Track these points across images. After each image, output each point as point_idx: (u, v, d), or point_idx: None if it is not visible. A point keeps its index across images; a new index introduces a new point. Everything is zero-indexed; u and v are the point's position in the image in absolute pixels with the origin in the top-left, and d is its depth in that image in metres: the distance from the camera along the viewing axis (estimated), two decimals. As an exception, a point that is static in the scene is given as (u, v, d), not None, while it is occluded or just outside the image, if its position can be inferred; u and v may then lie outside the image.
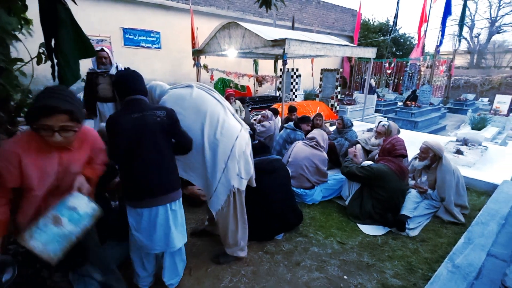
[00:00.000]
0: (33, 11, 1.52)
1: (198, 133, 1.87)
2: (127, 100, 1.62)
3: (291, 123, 3.98)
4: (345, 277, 2.06)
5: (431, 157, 2.91)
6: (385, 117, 9.22)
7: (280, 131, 4.32)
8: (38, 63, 1.67)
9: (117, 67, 3.80)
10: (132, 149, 1.57)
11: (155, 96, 2.00)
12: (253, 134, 3.55)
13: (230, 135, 1.92)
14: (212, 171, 1.88)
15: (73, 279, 1.88)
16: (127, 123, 1.55)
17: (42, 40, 1.53)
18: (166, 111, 1.66)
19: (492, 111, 8.80)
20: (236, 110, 3.58)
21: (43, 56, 1.66)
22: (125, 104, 1.62)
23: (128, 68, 1.89)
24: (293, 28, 10.77)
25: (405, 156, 2.95)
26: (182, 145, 1.79)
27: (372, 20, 16.65)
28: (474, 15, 24.65)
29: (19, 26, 1.54)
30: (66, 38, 1.46)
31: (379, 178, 2.73)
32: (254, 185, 2.21)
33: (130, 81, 1.64)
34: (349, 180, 2.99)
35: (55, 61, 1.49)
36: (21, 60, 1.47)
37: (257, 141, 2.77)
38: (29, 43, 1.48)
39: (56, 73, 1.49)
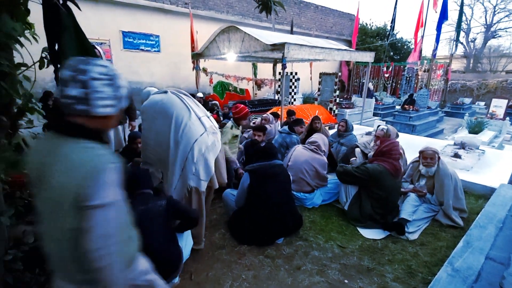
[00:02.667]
0: (33, 15, 1.53)
1: (166, 134, 2.05)
2: (137, 194, 1.84)
3: (286, 127, 4.00)
4: (346, 281, 2.07)
5: (437, 161, 2.93)
6: (383, 120, 9.28)
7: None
8: (41, 67, 1.67)
9: None
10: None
11: (144, 100, 2.27)
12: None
13: (189, 137, 2.04)
14: (172, 169, 2.06)
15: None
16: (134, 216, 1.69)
17: (43, 45, 1.54)
18: (166, 200, 1.85)
19: (488, 115, 8.89)
20: (235, 136, 3.46)
21: (45, 61, 1.67)
22: (135, 196, 1.83)
23: (138, 166, 2.10)
24: (291, 32, 10.86)
25: (398, 159, 2.99)
26: (187, 221, 1.96)
27: (369, 24, 16.86)
28: (470, 20, 25.03)
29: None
30: (69, 43, 1.47)
31: (375, 178, 2.76)
32: (217, 186, 2.33)
33: (141, 178, 1.90)
34: (344, 182, 3.00)
35: (58, 66, 1.50)
36: (25, 65, 1.47)
37: (264, 144, 2.79)
38: (29, 47, 1.49)
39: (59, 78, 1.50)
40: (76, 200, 0.84)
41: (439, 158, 2.93)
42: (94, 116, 0.91)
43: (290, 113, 5.01)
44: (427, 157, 2.94)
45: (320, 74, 8.98)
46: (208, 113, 2.33)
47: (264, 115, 4.87)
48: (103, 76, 0.90)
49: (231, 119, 3.48)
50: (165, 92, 2.21)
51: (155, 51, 9.12)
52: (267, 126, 4.54)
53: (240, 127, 3.53)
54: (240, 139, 4.59)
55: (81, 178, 0.84)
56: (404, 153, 3.59)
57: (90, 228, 0.86)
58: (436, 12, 11.56)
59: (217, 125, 2.35)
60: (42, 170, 0.90)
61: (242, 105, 3.47)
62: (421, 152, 3.03)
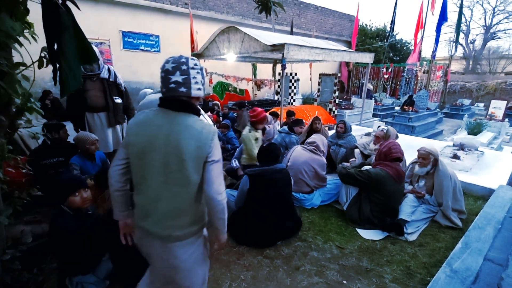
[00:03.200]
0: (32, 15, 1.53)
1: None
2: None
3: (285, 127, 3.99)
4: (345, 282, 2.07)
5: (432, 162, 2.94)
6: (382, 121, 9.30)
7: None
8: (40, 67, 1.66)
9: (108, 69, 3.31)
10: None
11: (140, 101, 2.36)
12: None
13: None
14: None
15: (70, 284, 1.87)
16: None
17: (42, 44, 1.54)
18: None
19: (487, 116, 8.91)
20: (256, 139, 3.42)
21: (44, 60, 1.66)
22: None
23: None
24: (291, 32, 10.87)
25: (401, 159, 2.98)
26: None
27: (369, 25, 16.87)
28: (469, 22, 25.08)
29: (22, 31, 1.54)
30: (68, 43, 1.47)
31: (377, 183, 2.75)
32: None
33: None
34: (346, 183, 3.00)
35: (57, 65, 1.49)
36: (24, 64, 1.47)
37: (266, 144, 2.75)
38: (28, 46, 1.48)
39: (57, 78, 1.50)
40: (206, 157, 1.16)
41: (435, 159, 2.93)
42: (191, 96, 1.19)
43: (290, 113, 5.01)
44: (420, 156, 2.98)
45: (320, 74, 8.99)
46: (202, 111, 2.38)
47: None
48: (196, 66, 1.19)
49: (249, 122, 3.40)
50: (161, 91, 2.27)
51: (155, 51, 9.11)
52: (265, 126, 4.54)
53: (260, 130, 3.41)
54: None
55: (209, 141, 1.16)
56: (403, 155, 3.59)
57: (212, 178, 1.18)
58: (433, 14, 11.60)
59: (211, 122, 2.39)
60: (162, 142, 1.14)
61: (259, 109, 3.33)
62: (418, 151, 3.05)
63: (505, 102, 9.01)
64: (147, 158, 1.16)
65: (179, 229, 1.21)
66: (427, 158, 2.93)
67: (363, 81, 11.83)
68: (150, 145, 1.15)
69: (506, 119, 8.85)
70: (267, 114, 4.97)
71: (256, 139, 3.37)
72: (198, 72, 1.20)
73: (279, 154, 2.65)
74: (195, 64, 1.19)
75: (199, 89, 1.20)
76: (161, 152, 1.14)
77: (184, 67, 1.15)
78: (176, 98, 1.17)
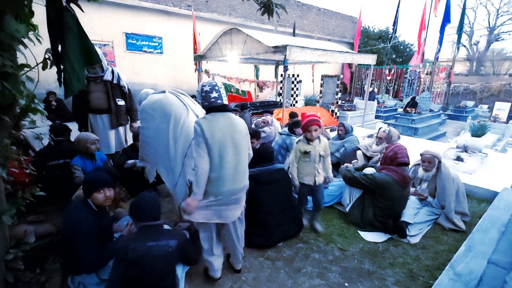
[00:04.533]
0: (36, 16, 1.54)
1: (165, 131, 2.14)
2: (142, 226, 1.65)
3: (286, 129, 3.97)
4: (346, 284, 2.06)
5: (436, 165, 2.90)
6: (385, 123, 9.25)
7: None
8: (44, 68, 1.68)
9: (112, 71, 3.33)
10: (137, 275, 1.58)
11: (142, 101, 2.40)
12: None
13: (187, 134, 2.12)
14: (174, 165, 2.15)
15: (72, 284, 1.88)
16: (140, 252, 1.57)
17: (47, 46, 1.56)
18: (177, 241, 1.68)
19: (491, 118, 8.85)
20: (305, 152, 2.59)
21: (48, 62, 1.68)
22: (140, 229, 1.66)
23: (145, 192, 1.87)
24: (294, 34, 10.89)
25: (408, 164, 2.94)
26: (191, 260, 1.85)
27: (372, 27, 16.84)
28: (473, 23, 24.95)
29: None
30: (72, 45, 1.48)
31: (381, 188, 2.73)
32: None
33: (145, 207, 1.65)
34: (350, 185, 2.99)
35: (61, 67, 1.51)
36: (28, 66, 1.48)
37: (258, 146, 2.75)
38: (32, 48, 1.50)
39: (62, 79, 1.51)
40: (248, 133, 1.97)
41: (439, 162, 2.90)
42: (223, 104, 1.85)
43: (293, 115, 5.00)
44: (425, 160, 2.94)
45: (322, 76, 8.98)
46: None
47: (263, 117, 4.89)
48: (221, 86, 1.88)
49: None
50: (163, 92, 2.28)
51: (157, 52, 9.16)
52: (266, 128, 4.54)
53: (315, 142, 2.64)
54: None
55: (245, 124, 1.95)
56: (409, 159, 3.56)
57: (249, 143, 2.00)
58: (435, 16, 11.55)
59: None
60: (227, 130, 1.80)
61: (307, 115, 2.77)
62: (421, 155, 3.01)
63: (509, 104, 8.94)
64: (223, 143, 1.77)
65: (246, 179, 1.96)
66: (431, 162, 2.89)
67: (366, 83, 11.79)
68: (223, 135, 1.77)
69: (511, 121, 8.77)
70: (267, 115, 4.97)
71: (305, 152, 2.58)
72: (224, 88, 1.88)
73: (272, 154, 2.65)
74: (221, 84, 1.88)
75: (226, 99, 1.88)
76: (230, 137, 1.80)
77: (216, 87, 1.83)
78: (221, 106, 1.82)
